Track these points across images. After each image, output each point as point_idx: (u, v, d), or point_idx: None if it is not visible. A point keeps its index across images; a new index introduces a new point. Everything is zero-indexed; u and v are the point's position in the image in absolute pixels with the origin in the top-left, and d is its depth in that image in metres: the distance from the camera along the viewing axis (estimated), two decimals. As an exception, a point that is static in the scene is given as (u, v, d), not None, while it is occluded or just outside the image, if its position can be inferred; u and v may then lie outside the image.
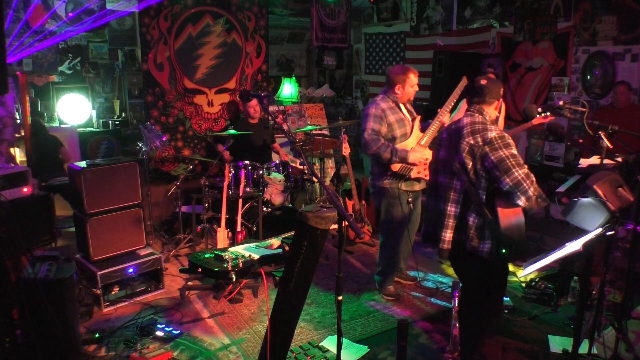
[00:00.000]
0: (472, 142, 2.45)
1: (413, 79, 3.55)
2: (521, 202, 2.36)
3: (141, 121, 6.52)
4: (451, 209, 2.57)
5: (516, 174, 2.36)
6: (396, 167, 3.48)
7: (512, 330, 3.36)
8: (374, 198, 3.81)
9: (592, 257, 2.29)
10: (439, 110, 3.54)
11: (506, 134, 2.48)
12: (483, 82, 2.60)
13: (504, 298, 3.69)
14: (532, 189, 2.36)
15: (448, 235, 2.60)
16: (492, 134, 2.43)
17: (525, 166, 2.41)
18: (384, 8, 7.91)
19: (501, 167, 2.38)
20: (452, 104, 3.50)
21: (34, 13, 5.39)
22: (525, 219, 2.50)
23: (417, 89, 3.62)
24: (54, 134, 5.77)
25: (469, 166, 2.47)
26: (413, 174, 3.53)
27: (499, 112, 2.75)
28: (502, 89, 2.64)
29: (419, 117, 3.67)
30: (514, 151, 2.42)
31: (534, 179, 2.38)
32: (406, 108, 3.65)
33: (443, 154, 2.66)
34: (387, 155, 3.41)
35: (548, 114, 3.35)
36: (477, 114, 2.56)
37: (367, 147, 3.46)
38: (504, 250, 2.44)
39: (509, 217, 2.41)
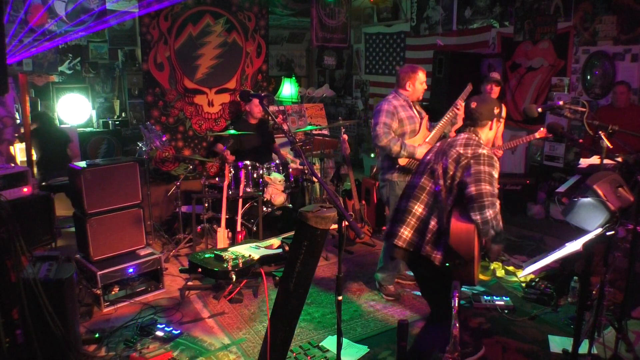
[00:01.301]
0: (461, 151, 2.45)
1: (422, 76, 3.73)
2: (476, 217, 2.30)
3: (141, 121, 6.52)
4: (418, 208, 2.52)
5: (484, 187, 2.31)
6: (404, 161, 3.62)
7: (512, 330, 3.36)
8: (382, 192, 3.88)
9: (592, 257, 2.29)
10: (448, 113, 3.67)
11: (495, 157, 2.44)
12: (473, 105, 2.56)
13: (504, 298, 3.71)
14: (490, 211, 2.29)
15: (407, 233, 2.52)
16: (484, 151, 2.41)
17: (496, 192, 2.35)
18: (384, 8, 7.91)
19: (475, 176, 2.34)
20: (456, 112, 3.61)
21: (33, 12, 5.38)
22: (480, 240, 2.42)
23: (425, 87, 3.79)
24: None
25: (450, 172, 2.45)
26: None
27: (497, 128, 2.68)
28: (495, 107, 2.58)
29: (426, 117, 3.80)
30: (495, 174, 2.38)
31: (498, 206, 2.32)
32: (415, 108, 3.79)
33: (429, 157, 2.64)
34: (396, 149, 3.55)
35: (543, 129, 3.36)
36: (472, 134, 2.56)
37: (378, 139, 3.59)
38: (447, 264, 2.38)
39: (461, 231, 2.34)
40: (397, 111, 3.64)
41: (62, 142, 5.53)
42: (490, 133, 2.61)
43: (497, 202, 2.34)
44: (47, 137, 5.37)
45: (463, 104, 3.57)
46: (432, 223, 2.47)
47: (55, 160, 5.34)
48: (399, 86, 3.75)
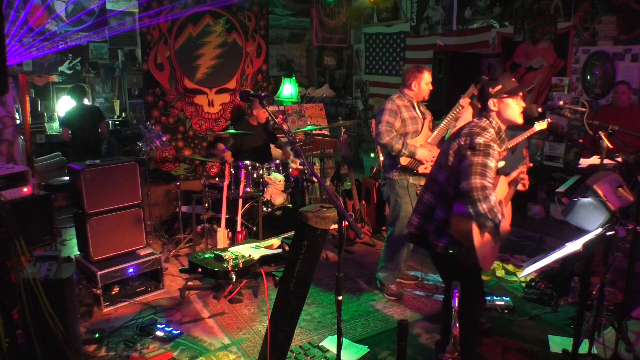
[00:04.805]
0: (462, 142, 2.45)
1: (427, 77, 3.80)
2: (470, 211, 2.30)
3: (141, 121, 6.52)
4: (428, 197, 2.62)
5: (473, 181, 2.28)
6: (405, 161, 3.65)
7: (512, 330, 3.36)
8: (384, 190, 3.92)
9: (592, 257, 2.29)
10: (450, 113, 3.69)
11: (493, 144, 2.37)
12: (475, 93, 2.60)
13: (504, 298, 3.70)
14: (484, 205, 2.25)
15: (415, 219, 2.65)
16: (481, 140, 2.36)
17: (489, 182, 2.30)
18: (384, 8, 7.91)
19: (467, 170, 2.33)
20: (460, 109, 3.63)
21: (34, 13, 5.37)
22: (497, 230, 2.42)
23: (431, 87, 3.85)
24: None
25: (451, 162, 2.48)
26: (421, 170, 3.68)
27: (513, 103, 2.50)
28: (489, 88, 2.50)
29: (429, 118, 3.84)
30: (490, 163, 2.32)
31: (493, 199, 2.27)
32: (419, 108, 3.83)
33: (444, 147, 2.67)
34: (398, 147, 3.58)
35: (548, 120, 3.35)
36: (483, 118, 2.54)
37: (380, 136, 3.63)
38: (450, 251, 2.46)
39: (459, 220, 2.38)
40: (400, 111, 3.69)
41: (95, 120, 5.45)
42: (508, 111, 2.50)
43: (493, 195, 2.29)
44: (81, 115, 5.25)
45: (466, 102, 3.63)
46: (439, 212, 2.52)
47: (90, 142, 5.29)
48: (405, 86, 3.80)
